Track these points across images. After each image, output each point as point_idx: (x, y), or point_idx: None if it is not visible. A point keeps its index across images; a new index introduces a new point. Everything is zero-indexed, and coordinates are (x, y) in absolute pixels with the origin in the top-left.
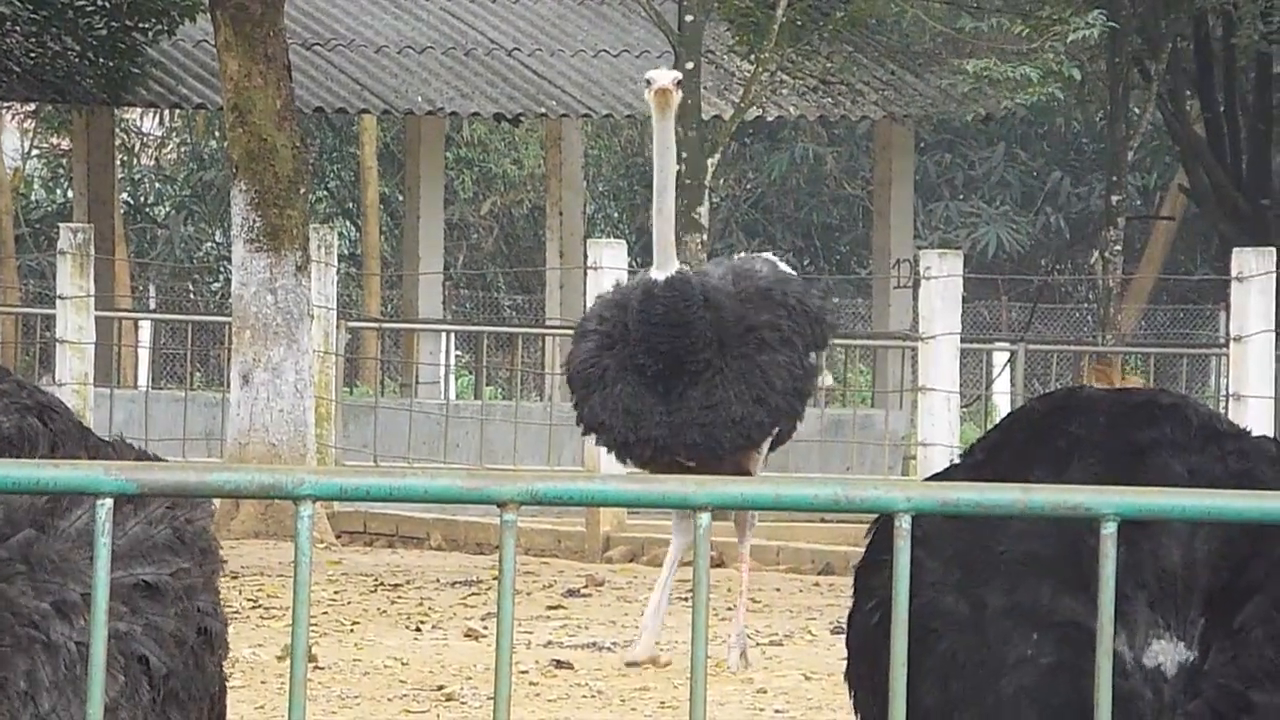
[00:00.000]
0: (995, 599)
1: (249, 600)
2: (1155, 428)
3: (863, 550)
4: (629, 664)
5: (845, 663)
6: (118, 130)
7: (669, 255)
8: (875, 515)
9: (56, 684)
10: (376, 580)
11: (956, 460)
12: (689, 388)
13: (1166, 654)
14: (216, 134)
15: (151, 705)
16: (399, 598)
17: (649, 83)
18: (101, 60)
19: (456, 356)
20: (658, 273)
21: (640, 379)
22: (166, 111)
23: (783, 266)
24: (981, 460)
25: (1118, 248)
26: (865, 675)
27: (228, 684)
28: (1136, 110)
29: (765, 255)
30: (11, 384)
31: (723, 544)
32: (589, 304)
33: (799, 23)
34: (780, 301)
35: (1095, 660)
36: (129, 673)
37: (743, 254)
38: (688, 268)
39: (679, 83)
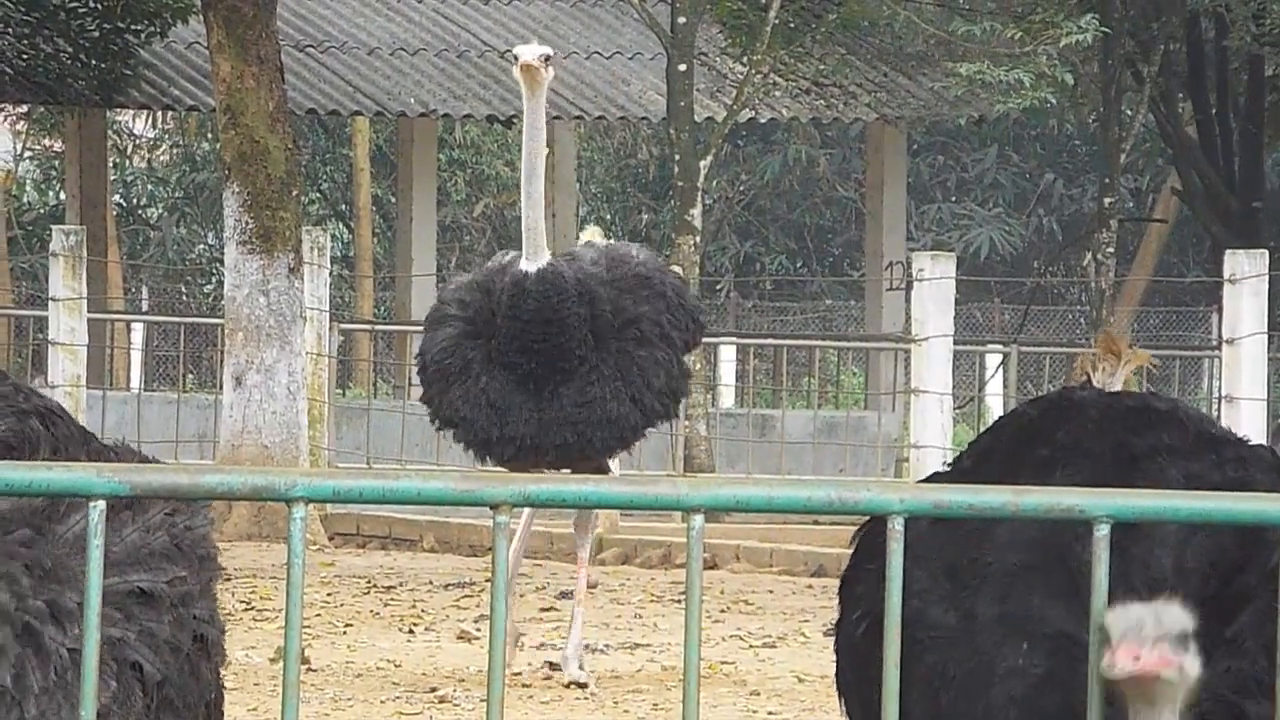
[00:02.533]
0: (985, 609)
1: (242, 602)
2: (1151, 433)
3: (847, 559)
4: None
5: (835, 671)
6: (110, 132)
7: (539, 244)
8: (862, 521)
9: (47, 689)
10: (369, 582)
11: (949, 463)
12: (561, 384)
13: None
14: (209, 136)
15: (145, 712)
16: (392, 600)
17: (515, 58)
18: (94, 62)
19: None
20: (528, 264)
21: (510, 375)
22: (159, 113)
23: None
24: (972, 465)
25: (1110, 250)
26: (854, 685)
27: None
28: (1129, 112)
29: (639, 245)
30: (9, 387)
31: (716, 545)
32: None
33: (792, 25)
34: (660, 292)
35: (1084, 668)
36: (121, 679)
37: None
38: (558, 258)
39: (547, 59)
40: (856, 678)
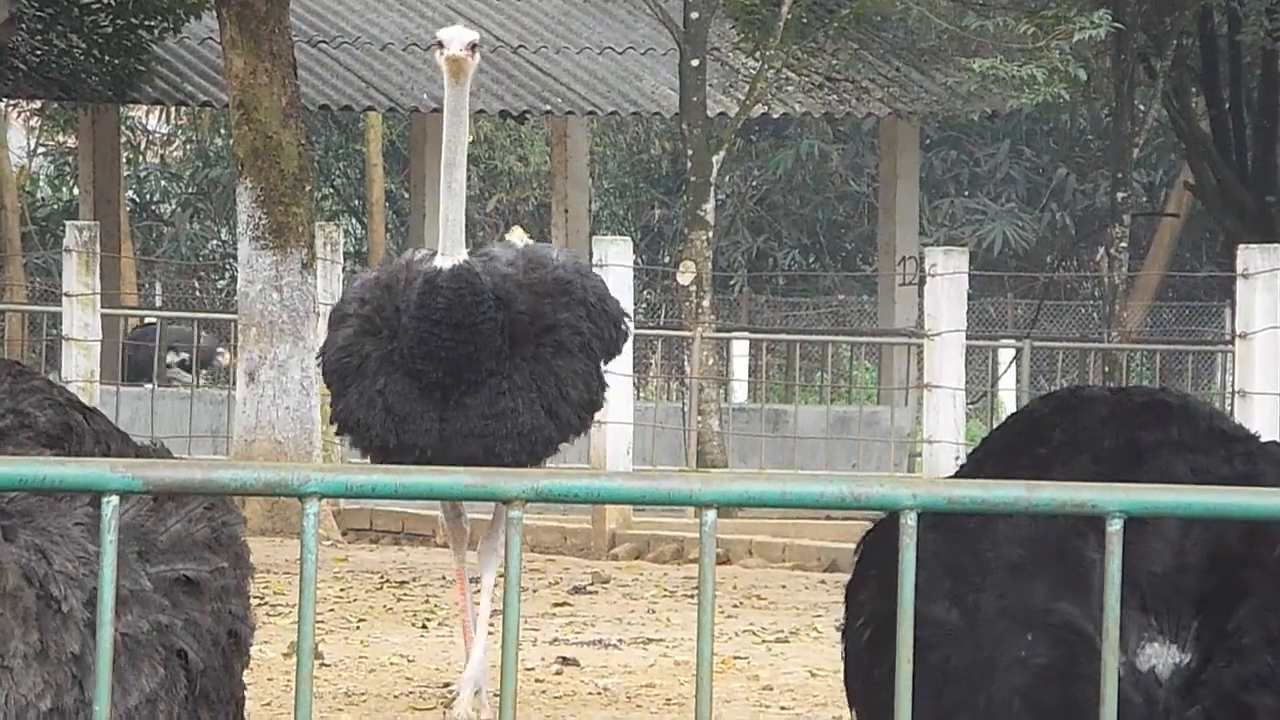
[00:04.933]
0: (987, 603)
1: (255, 598)
2: (1160, 428)
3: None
4: None
5: (843, 679)
6: (123, 128)
7: (457, 240)
8: (862, 534)
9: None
10: (382, 577)
11: (963, 460)
12: (468, 394)
13: (1160, 657)
14: (222, 131)
15: (186, 701)
16: (405, 595)
17: (441, 45)
18: (107, 58)
19: None
20: (442, 259)
21: (413, 382)
22: (172, 109)
23: (580, 261)
24: (983, 461)
25: (1123, 244)
26: (860, 690)
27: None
28: (1142, 107)
29: (561, 247)
30: (43, 381)
31: (729, 540)
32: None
33: (804, 20)
34: (581, 299)
35: (1090, 661)
36: (168, 666)
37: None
38: (472, 258)
39: (474, 46)
40: (863, 685)
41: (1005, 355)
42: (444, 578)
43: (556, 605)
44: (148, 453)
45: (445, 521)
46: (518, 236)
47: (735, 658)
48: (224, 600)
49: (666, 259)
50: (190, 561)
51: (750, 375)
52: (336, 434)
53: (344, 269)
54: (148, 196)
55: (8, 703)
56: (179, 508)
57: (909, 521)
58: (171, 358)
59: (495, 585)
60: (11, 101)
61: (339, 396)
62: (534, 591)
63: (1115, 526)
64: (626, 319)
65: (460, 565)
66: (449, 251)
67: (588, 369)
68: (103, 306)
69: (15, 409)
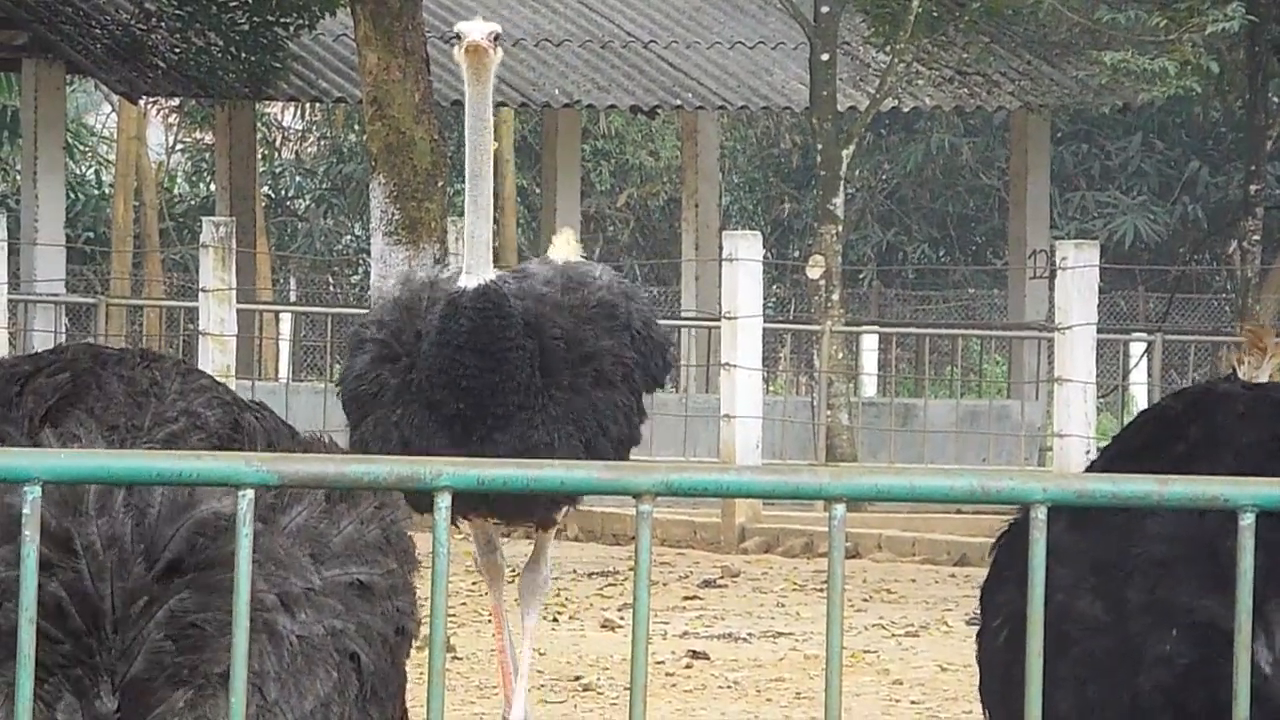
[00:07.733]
0: (1133, 598)
1: None
2: None
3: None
4: None
5: (978, 680)
6: (259, 124)
7: (483, 257)
8: (995, 532)
9: (280, 675)
10: (514, 571)
11: (1094, 455)
12: (497, 429)
13: None
14: (356, 127)
15: (357, 701)
16: None
17: (459, 37)
18: (244, 55)
19: None
20: (467, 278)
21: (432, 414)
22: (307, 105)
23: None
24: (1115, 459)
25: (1256, 237)
26: (996, 693)
27: None
28: (1276, 99)
29: (602, 265)
30: (209, 379)
31: (858, 535)
32: (724, 295)
33: (935, 13)
34: (625, 323)
35: (1233, 659)
36: (341, 669)
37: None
38: (501, 276)
39: (496, 38)
40: (1000, 687)
41: (1136, 349)
42: (574, 571)
43: (686, 599)
44: (319, 447)
45: (479, 557)
46: (565, 241)
47: (865, 652)
48: (393, 598)
49: (796, 253)
50: (363, 565)
51: (880, 369)
52: None
53: None
54: (283, 192)
55: None
56: (351, 509)
57: (1039, 515)
58: None
59: (537, 626)
60: (150, 99)
61: (354, 427)
62: (664, 585)
63: (1248, 520)
64: (672, 346)
65: (497, 603)
66: (475, 270)
67: (629, 402)
68: (238, 302)
69: (188, 410)
